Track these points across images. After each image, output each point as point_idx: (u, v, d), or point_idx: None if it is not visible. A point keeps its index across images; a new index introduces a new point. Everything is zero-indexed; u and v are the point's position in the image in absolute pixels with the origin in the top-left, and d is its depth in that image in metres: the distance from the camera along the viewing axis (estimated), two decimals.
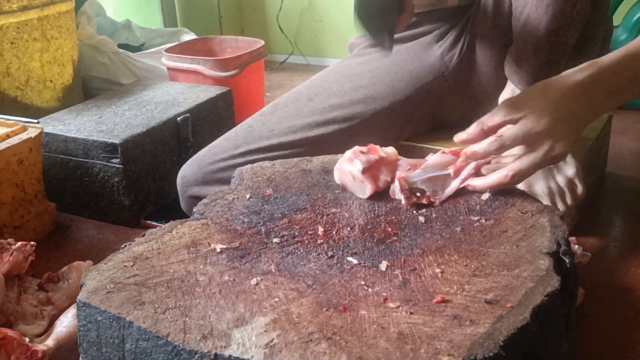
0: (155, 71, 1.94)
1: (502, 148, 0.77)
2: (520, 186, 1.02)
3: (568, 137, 0.77)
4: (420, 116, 1.21)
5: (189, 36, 2.15)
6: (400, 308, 0.60)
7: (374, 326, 0.57)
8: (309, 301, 0.61)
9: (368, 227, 0.75)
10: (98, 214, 1.35)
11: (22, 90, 1.69)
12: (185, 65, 1.76)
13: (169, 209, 1.38)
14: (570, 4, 0.96)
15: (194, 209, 0.81)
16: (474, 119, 1.22)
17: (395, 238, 0.73)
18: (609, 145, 1.46)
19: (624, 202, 1.36)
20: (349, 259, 0.69)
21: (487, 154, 0.78)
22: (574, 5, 0.97)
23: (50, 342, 0.87)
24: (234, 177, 0.90)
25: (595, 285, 1.04)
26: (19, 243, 0.99)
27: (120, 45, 2.04)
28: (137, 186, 1.33)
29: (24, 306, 0.95)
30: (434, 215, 0.77)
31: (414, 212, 0.78)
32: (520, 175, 0.77)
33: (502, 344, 0.54)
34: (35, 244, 1.01)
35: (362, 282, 0.64)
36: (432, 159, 0.83)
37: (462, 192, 0.81)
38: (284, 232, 0.74)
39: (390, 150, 0.84)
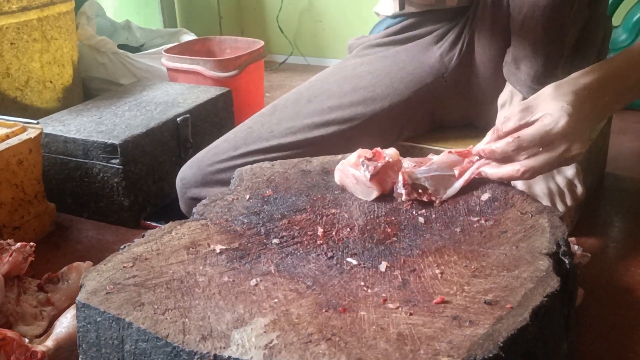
0: (154, 72, 1.94)
1: (519, 149, 0.77)
2: (520, 187, 1.02)
3: (584, 139, 0.77)
4: (420, 117, 1.21)
5: (189, 37, 2.15)
6: (400, 309, 0.60)
7: (374, 327, 0.57)
8: (308, 302, 0.61)
9: (368, 227, 0.75)
10: (98, 214, 1.35)
11: (21, 90, 1.69)
12: (185, 66, 1.76)
13: (169, 209, 1.38)
14: (568, 4, 0.96)
15: (194, 210, 0.81)
16: (474, 119, 1.23)
17: (394, 239, 0.73)
18: (608, 145, 1.46)
19: (624, 203, 1.36)
20: (349, 259, 0.69)
21: (504, 154, 0.79)
22: (572, 6, 0.97)
23: (49, 342, 0.87)
24: (233, 177, 0.90)
25: (595, 285, 1.04)
26: (19, 244, 0.99)
27: (120, 46, 2.05)
28: (137, 187, 1.33)
29: (24, 307, 0.95)
30: (433, 216, 0.77)
31: (414, 212, 0.78)
32: (532, 172, 0.78)
33: (501, 344, 0.54)
34: (34, 244, 1.01)
35: (362, 283, 0.64)
36: (437, 158, 0.83)
37: (462, 192, 0.81)
38: (284, 233, 0.74)
39: (392, 152, 0.84)
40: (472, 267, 0.66)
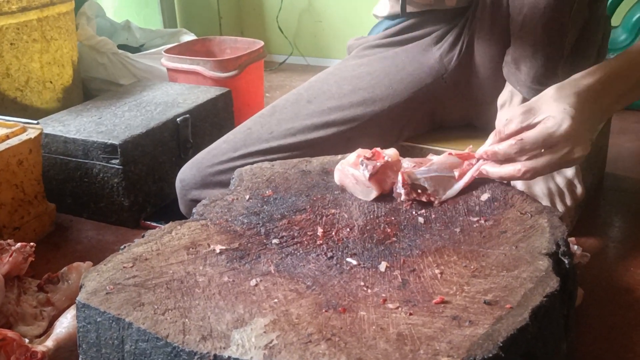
0: (154, 72, 1.94)
1: (522, 151, 0.77)
2: (520, 187, 1.02)
3: (586, 141, 0.78)
4: (420, 118, 1.21)
5: (189, 37, 2.15)
6: (400, 309, 0.60)
7: (374, 327, 0.57)
8: (308, 302, 0.61)
9: (367, 228, 0.75)
10: (98, 214, 1.35)
11: (21, 91, 1.69)
12: (185, 66, 1.76)
13: (169, 209, 1.38)
14: (567, 5, 0.96)
15: (194, 210, 0.81)
16: (474, 119, 1.23)
17: (394, 239, 0.73)
18: (608, 145, 1.46)
19: (624, 203, 1.36)
20: (349, 259, 0.69)
21: (506, 155, 0.79)
22: (572, 6, 0.97)
23: (49, 343, 0.87)
24: (233, 178, 0.90)
25: (595, 285, 1.04)
26: (19, 244, 0.99)
27: (120, 46, 2.05)
28: (137, 187, 1.33)
29: (24, 307, 0.95)
30: (433, 216, 0.77)
31: (413, 213, 0.78)
32: (533, 173, 0.78)
33: (501, 344, 0.54)
34: (34, 244, 1.01)
35: (362, 283, 0.65)
36: (438, 159, 0.83)
37: (461, 193, 0.81)
38: (284, 233, 0.74)
39: (392, 152, 0.84)
40: (472, 267, 0.66)
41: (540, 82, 1.02)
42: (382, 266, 0.67)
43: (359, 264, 0.68)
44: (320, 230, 0.74)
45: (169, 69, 1.81)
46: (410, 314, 0.59)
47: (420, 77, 1.17)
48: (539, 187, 1.06)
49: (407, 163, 0.84)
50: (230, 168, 1.08)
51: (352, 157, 0.84)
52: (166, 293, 0.63)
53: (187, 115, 1.43)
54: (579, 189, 1.07)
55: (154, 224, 1.31)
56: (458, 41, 1.15)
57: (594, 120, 0.80)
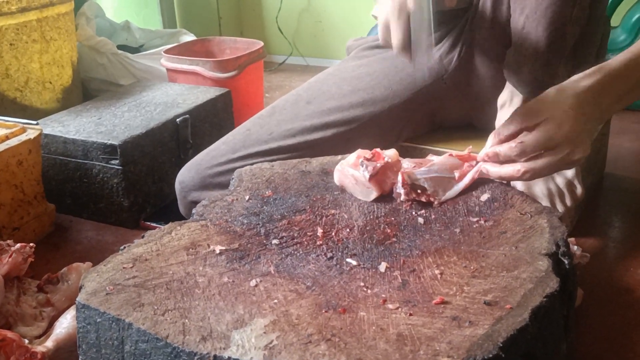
0: (154, 72, 1.94)
1: (522, 154, 0.77)
2: (520, 187, 1.02)
3: (586, 142, 0.78)
4: (420, 118, 1.21)
5: (188, 37, 2.15)
6: (400, 309, 0.60)
7: (373, 327, 0.57)
8: (308, 302, 0.61)
9: (367, 228, 0.75)
10: (97, 215, 1.35)
11: (21, 91, 1.69)
12: (185, 67, 1.76)
13: (168, 210, 1.38)
14: (569, 5, 0.96)
15: (193, 210, 0.81)
16: (474, 120, 1.23)
17: (394, 239, 0.73)
18: (608, 145, 1.46)
19: (623, 203, 1.36)
20: (348, 260, 0.69)
21: (507, 157, 0.79)
22: (573, 7, 0.97)
23: (49, 343, 0.87)
24: (232, 179, 0.90)
25: (595, 286, 1.04)
26: (18, 244, 0.99)
27: (120, 47, 2.04)
28: (137, 187, 1.33)
29: (23, 308, 0.95)
30: (433, 216, 0.77)
31: (413, 213, 0.78)
32: (532, 174, 0.78)
33: (501, 345, 0.54)
34: (34, 245, 1.01)
35: (362, 284, 0.65)
36: (438, 159, 0.83)
37: (461, 193, 0.81)
38: (283, 234, 0.74)
39: (392, 152, 0.84)
40: (472, 267, 0.66)
41: (541, 83, 1.02)
42: (382, 267, 0.67)
43: (359, 265, 0.68)
44: (320, 231, 0.74)
45: (168, 70, 1.81)
46: (410, 315, 0.59)
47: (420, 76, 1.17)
48: (539, 187, 1.06)
49: (407, 163, 0.84)
50: (229, 169, 1.07)
51: (351, 157, 0.84)
52: (166, 293, 0.63)
53: (187, 116, 1.43)
54: (578, 190, 1.07)
55: (154, 225, 1.31)
56: (458, 42, 1.15)
57: (594, 120, 0.80)
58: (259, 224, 0.77)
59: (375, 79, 1.17)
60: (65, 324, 0.90)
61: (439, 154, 0.86)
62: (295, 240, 0.73)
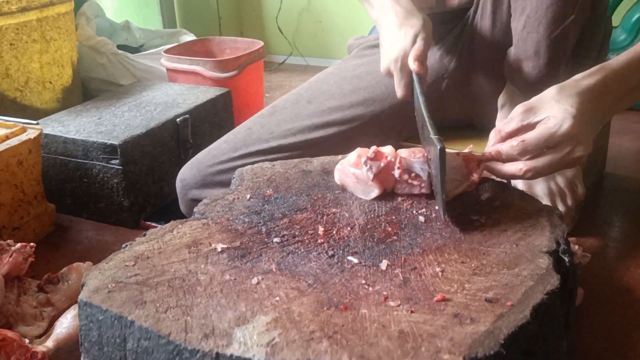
0: (154, 72, 1.94)
1: (524, 152, 0.77)
2: (521, 187, 1.02)
3: (588, 141, 0.78)
4: None
5: (188, 37, 2.15)
6: (401, 307, 0.60)
7: (375, 325, 0.57)
8: (310, 300, 0.61)
9: (368, 226, 0.75)
10: (97, 215, 1.35)
11: (21, 91, 1.69)
12: (185, 66, 1.76)
13: (169, 210, 1.38)
14: (570, 5, 0.96)
15: (195, 209, 0.81)
16: (474, 119, 1.23)
17: (395, 237, 0.73)
18: (608, 145, 1.47)
19: (624, 203, 1.36)
20: (350, 258, 0.69)
21: (509, 156, 0.79)
22: (574, 7, 0.97)
23: (49, 343, 0.87)
24: (234, 177, 0.90)
25: (595, 285, 1.05)
26: (19, 244, 0.99)
27: (120, 47, 2.05)
28: (137, 187, 1.33)
29: (24, 307, 0.95)
30: (433, 214, 0.78)
31: (414, 211, 0.78)
32: (534, 173, 0.78)
33: (502, 342, 0.54)
34: (34, 245, 1.01)
35: (363, 281, 0.65)
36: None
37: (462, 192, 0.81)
38: (285, 232, 0.74)
39: (389, 149, 0.84)
40: (473, 265, 0.66)
41: (542, 82, 1.02)
42: (383, 264, 0.67)
43: (360, 263, 0.68)
44: (321, 229, 0.75)
45: (168, 69, 1.81)
46: (412, 312, 0.59)
47: None
48: (540, 187, 1.07)
49: (407, 153, 0.84)
50: (230, 168, 1.08)
51: (352, 156, 0.84)
52: (168, 291, 0.63)
53: (187, 116, 1.43)
54: (579, 189, 1.08)
55: (154, 224, 1.31)
56: (458, 41, 1.15)
57: (596, 120, 0.80)
58: (260, 223, 0.77)
59: (375, 78, 1.17)
60: (66, 323, 0.90)
61: None
62: (296, 239, 0.73)
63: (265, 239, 0.73)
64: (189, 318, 0.59)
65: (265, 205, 0.81)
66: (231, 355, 0.54)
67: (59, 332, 0.89)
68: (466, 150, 0.85)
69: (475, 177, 0.81)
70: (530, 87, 1.04)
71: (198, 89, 1.59)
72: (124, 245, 0.72)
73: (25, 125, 1.26)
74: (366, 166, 0.81)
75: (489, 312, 0.58)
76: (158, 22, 2.51)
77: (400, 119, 1.18)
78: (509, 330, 0.55)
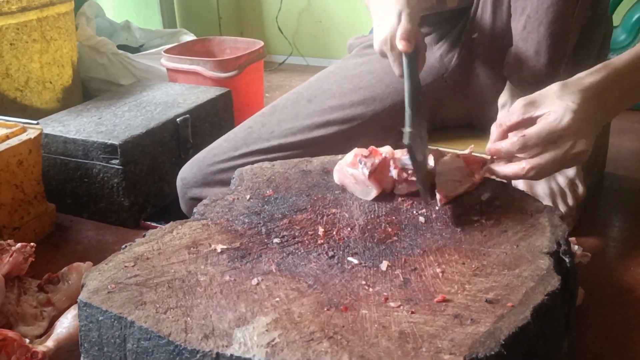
0: (154, 72, 1.94)
1: (525, 147, 0.77)
2: (521, 187, 1.02)
3: (589, 137, 0.77)
4: None
5: (188, 37, 2.15)
6: (401, 307, 0.60)
7: (375, 325, 0.57)
8: (310, 301, 0.61)
9: (368, 227, 0.75)
10: (97, 215, 1.35)
11: (21, 91, 1.69)
12: (185, 66, 1.76)
13: (169, 210, 1.38)
14: (571, 5, 0.96)
15: (194, 210, 0.81)
16: (474, 119, 1.23)
17: (395, 238, 0.73)
18: (607, 145, 1.47)
19: (624, 203, 1.36)
20: (350, 259, 0.69)
21: (509, 153, 0.79)
22: (575, 7, 0.97)
23: (50, 343, 0.87)
24: (233, 177, 0.90)
25: (595, 285, 1.04)
26: (19, 244, 0.99)
27: (120, 46, 2.05)
28: (137, 187, 1.33)
29: (24, 307, 0.95)
30: (434, 215, 0.77)
31: (414, 212, 0.78)
32: (538, 170, 0.77)
33: (503, 342, 0.54)
34: (35, 245, 1.01)
35: (363, 282, 0.65)
36: (444, 159, 0.83)
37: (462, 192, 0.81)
38: (285, 233, 0.74)
39: (387, 149, 0.84)
40: (473, 266, 0.66)
41: (542, 82, 1.01)
42: (384, 265, 0.67)
43: (360, 263, 0.68)
44: (321, 230, 0.74)
45: (168, 69, 1.81)
46: (412, 313, 0.59)
47: (421, 76, 1.17)
48: (541, 187, 1.06)
49: (399, 153, 0.84)
50: (230, 167, 1.08)
51: (349, 157, 0.84)
52: (168, 292, 0.63)
53: (187, 116, 1.43)
54: (580, 189, 1.07)
55: (154, 224, 1.31)
56: (458, 41, 1.15)
57: (598, 118, 0.80)
58: (260, 223, 0.77)
59: (376, 77, 1.17)
60: (66, 323, 0.90)
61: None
62: (296, 239, 0.73)
63: (265, 240, 0.73)
64: (189, 319, 0.59)
65: (265, 206, 0.81)
66: (231, 356, 0.54)
67: (59, 332, 0.89)
68: (467, 151, 0.85)
69: (477, 178, 0.81)
70: (531, 87, 1.04)
71: (198, 89, 1.59)
72: (123, 246, 0.72)
73: (25, 125, 1.26)
74: (361, 164, 0.81)
75: (489, 313, 0.58)
76: (158, 22, 2.51)
77: (401, 118, 1.17)
78: (510, 331, 0.55)
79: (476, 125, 1.23)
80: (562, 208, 1.07)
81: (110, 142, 1.28)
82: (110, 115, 1.43)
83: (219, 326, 0.57)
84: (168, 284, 0.64)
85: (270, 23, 2.64)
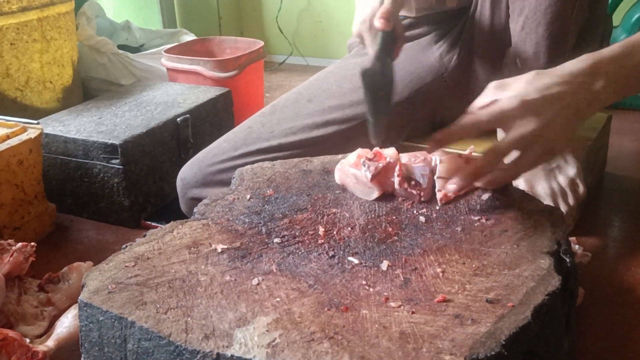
0: (154, 72, 1.94)
1: (497, 158, 0.75)
2: (522, 187, 1.02)
3: (554, 120, 0.73)
4: (420, 117, 1.21)
5: (189, 37, 2.15)
6: (402, 307, 0.60)
7: (376, 325, 0.57)
8: (310, 301, 0.61)
9: (369, 227, 0.75)
10: (98, 214, 1.35)
11: (21, 91, 1.69)
12: (185, 66, 1.76)
13: (169, 209, 1.38)
14: (569, 6, 0.96)
15: (195, 209, 0.81)
16: None
17: (396, 238, 0.73)
18: (607, 145, 1.47)
19: (624, 202, 1.36)
20: (350, 258, 0.69)
21: (484, 171, 0.76)
22: (573, 8, 0.97)
23: (50, 342, 0.87)
24: (234, 177, 0.90)
25: (595, 285, 1.04)
26: (19, 244, 0.99)
27: (120, 46, 2.05)
28: (137, 187, 1.33)
29: (25, 307, 0.95)
30: (434, 215, 0.77)
31: (415, 212, 0.78)
32: (518, 166, 0.75)
33: (503, 342, 0.54)
34: (35, 244, 1.01)
35: (364, 282, 0.65)
36: (441, 163, 0.83)
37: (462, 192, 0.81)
38: (285, 232, 0.74)
39: (391, 152, 0.84)
40: (474, 265, 0.66)
41: None
42: (384, 265, 0.67)
43: (361, 263, 0.68)
44: (321, 230, 0.74)
45: (169, 69, 1.81)
46: (413, 313, 0.59)
47: (421, 76, 1.17)
48: (542, 186, 1.07)
49: (407, 157, 0.84)
50: (231, 167, 1.08)
51: (352, 157, 0.84)
52: (168, 292, 0.63)
53: (187, 115, 1.43)
54: (581, 188, 1.08)
55: (154, 224, 1.31)
56: (458, 40, 1.15)
57: (578, 102, 0.75)
58: (260, 223, 0.77)
59: None
60: (67, 323, 0.90)
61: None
62: (296, 239, 0.73)
63: (266, 240, 0.73)
64: (189, 319, 0.59)
65: (266, 206, 0.81)
66: (232, 356, 0.54)
67: (59, 332, 0.89)
68: (467, 151, 0.85)
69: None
70: None
71: (198, 89, 1.59)
72: (124, 246, 0.72)
73: (25, 124, 1.26)
74: (364, 166, 0.81)
75: (490, 313, 0.58)
76: (158, 22, 2.51)
77: (401, 118, 1.18)
78: (510, 331, 0.55)
79: None
80: (563, 208, 1.07)
81: (110, 141, 1.28)
82: (110, 115, 1.43)
83: (219, 326, 0.58)
84: (168, 284, 0.64)
85: (270, 23, 2.64)
